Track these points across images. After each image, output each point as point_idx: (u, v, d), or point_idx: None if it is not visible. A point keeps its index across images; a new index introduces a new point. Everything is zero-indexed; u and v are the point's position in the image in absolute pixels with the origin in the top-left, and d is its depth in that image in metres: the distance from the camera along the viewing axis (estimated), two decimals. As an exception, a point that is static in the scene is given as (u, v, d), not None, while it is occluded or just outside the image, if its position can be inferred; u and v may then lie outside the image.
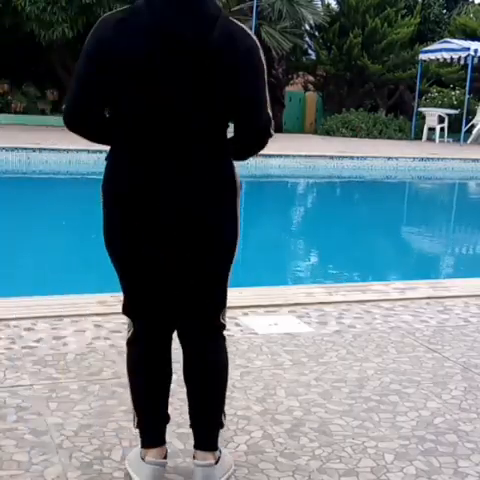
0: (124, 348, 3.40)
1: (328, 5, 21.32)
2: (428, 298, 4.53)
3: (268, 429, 2.69)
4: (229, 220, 2.24)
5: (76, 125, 2.17)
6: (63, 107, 2.21)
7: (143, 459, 2.28)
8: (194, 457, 2.28)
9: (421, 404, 2.98)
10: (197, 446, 2.29)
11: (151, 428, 2.32)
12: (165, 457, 2.31)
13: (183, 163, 2.11)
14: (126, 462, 2.38)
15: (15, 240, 7.41)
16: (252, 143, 2.26)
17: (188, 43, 2.03)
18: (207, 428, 2.30)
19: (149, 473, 2.25)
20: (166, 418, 2.35)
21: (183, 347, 2.37)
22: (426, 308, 4.33)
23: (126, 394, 2.90)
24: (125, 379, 3.05)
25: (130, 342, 2.33)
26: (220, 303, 2.29)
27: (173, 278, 2.23)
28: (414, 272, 7.18)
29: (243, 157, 2.33)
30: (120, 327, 3.69)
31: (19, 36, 15.91)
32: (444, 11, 23.56)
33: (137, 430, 2.33)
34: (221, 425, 2.32)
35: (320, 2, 20.46)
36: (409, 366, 3.38)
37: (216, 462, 2.26)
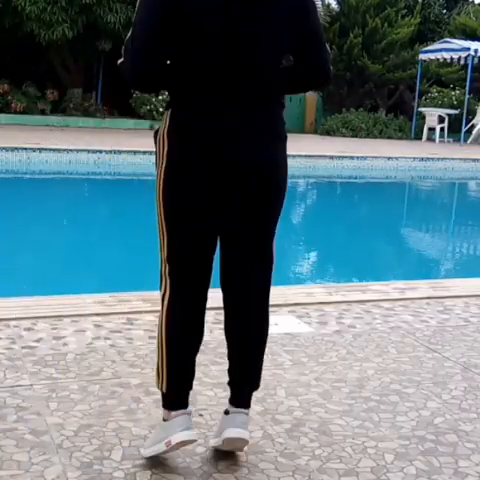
0: (124, 348, 3.41)
1: (328, 5, 21.32)
2: (428, 298, 4.52)
3: (268, 429, 2.69)
4: (285, 171, 2.32)
5: (141, 73, 2.15)
6: (119, 62, 2.18)
7: (167, 419, 2.33)
8: (226, 411, 2.40)
9: (421, 404, 2.98)
10: (235, 402, 2.40)
11: (183, 389, 2.35)
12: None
13: (249, 112, 2.19)
14: (145, 450, 2.39)
15: (15, 240, 7.41)
16: (317, 79, 2.38)
17: None
18: (246, 385, 2.42)
19: (180, 421, 2.30)
20: (192, 384, 2.39)
21: (230, 305, 2.45)
22: (426, 308, 4.33)
23: (126, 394, 2.91)
24: (125, 379, 3.06)
25: (168, 299, 2.33)
26: (271, 256, 2.39)
27: (230, 225, 2.30)
28: (414, 272, 7.18)
29: (302, 91, 2.52)
30: (120, 327, 3.69)
31: (19, 36, 15.91)
32: (444, 11, 23.57)
33: (161, 392, 2.37)
34: (258, 385, 2.44)
35: (320, 2, 20.45)
36: (409, 366, 3.38)
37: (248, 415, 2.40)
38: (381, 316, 4.12)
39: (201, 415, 2.75)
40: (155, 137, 2.28)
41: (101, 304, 4.02)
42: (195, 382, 3.03)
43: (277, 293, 4.36)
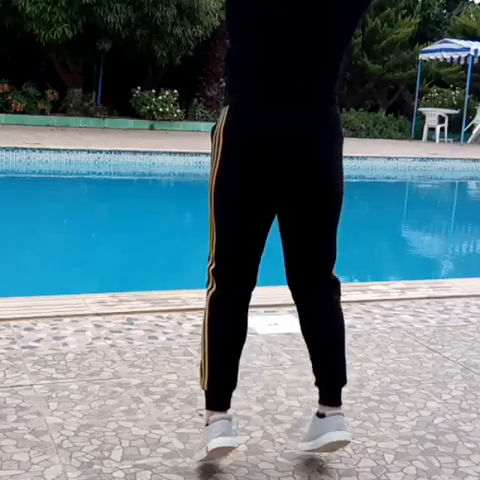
0: (124, 348, 3.41)
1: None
2: (428, 298, 4.52)
3: (268, 429, 2.69)
4: (341, 173, 2.30)
5: None
6: None
7: (208, 423, 2.30)
8: (320, 414, 2.37)
9: (421, 404, 2.98)
10: (329, 402, 2.37)
11: (223, 390, 2.34)
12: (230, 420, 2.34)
13: (311, 107, 2.18)
14: (196, 456, 2.38)
15: (15, 240, 7.41)
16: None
17: None
18: (337, 383, 2.40)
19: (217, 427, 2.27)
20: (235, 384, 2.38)
21: (302, 305, 2.41)
22: (426, 308, 4.33)
23: (126, 394, 2.91)
24: (125, 379, 3.06)
25: (213, 296, 2.31)
26: (333, 257, 2.36)
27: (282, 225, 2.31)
28: (414, 272, 7.18)
29: None
30: (120, 327, 3.69)
31: (19, 36, 15.90)
32: (444, 11, 23.56)
33: (204, 390, 2.35)
34: (346, 379, 2.42)
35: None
36: (409, 366, 3.38)
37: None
38: (381, 316, 4.12)
39: (201, 415, 2.75)
40: (212, 134, 2.30)
41: (101, 304, 4.02)
42: (195, 382, 3.03)
43: (277, 293, 4.35)
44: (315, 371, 2.47)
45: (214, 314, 2.32)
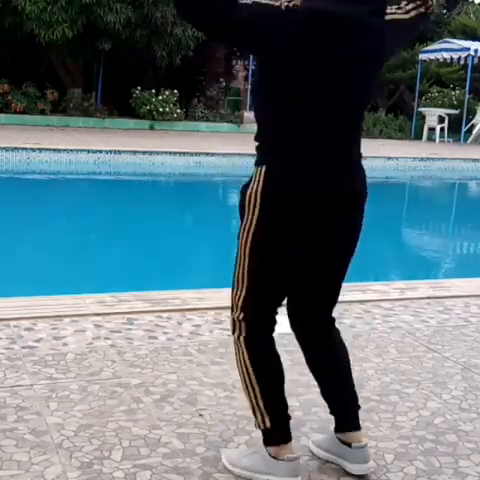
0: (124, 348, 3.40)
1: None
2: (428, 298, 4.52)
3: (268, 429, 2.68)
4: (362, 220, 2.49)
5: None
6: None
7: (277, 458, 2.31)
8: (343, 442, 2.40)
9: (421, 404, 2.98)
10: (349, 428, 2.41)
11: (284, 423, 2.35)
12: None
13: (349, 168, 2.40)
14: (233, 467, 2.38)
15: (15, 240, 7.41)
16: None
17: None
18: (354, 407, 2.44)
19: (291, 468, 2.31)
20: (288, 413, 2.39)
21: (307, 342, 2.48)
22: (426, 308, 4.33)
23: (126, 394, 2.91)
24: (125, 379, 3.06)
25: (245, 342, 2.32)
26: (337, 296, 2.48)
27: (309, 272, 2.35)
28: (414, 272, 7.18)
29: None
30: (120, 327, 3.69)
31: (19, 36, 15.90)
32: (444, 11, 23.56)
33: (262, 430, 2.35)
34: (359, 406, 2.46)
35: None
36: (409, 366, 3.38)
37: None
38: (381, 316, 4.12)
39: (201, 415, 2.75)
40: (243, 193, 2.24)
41: (101, 304, 4.02)
42: (195, 382, 3.04)
43: (277, 293, 4.36)
44: (333, 399, 2.47)
45: (251, 357, 2.32)
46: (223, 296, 4.36)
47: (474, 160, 15.23)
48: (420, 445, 2.63)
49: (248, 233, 2.25)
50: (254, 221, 2.22)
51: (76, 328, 3.65)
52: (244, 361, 2.31)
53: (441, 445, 2.64)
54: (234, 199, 12.44)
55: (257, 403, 2.32)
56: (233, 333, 2.34)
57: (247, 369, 2.31)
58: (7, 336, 3.49)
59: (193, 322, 3.82)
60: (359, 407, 2.46)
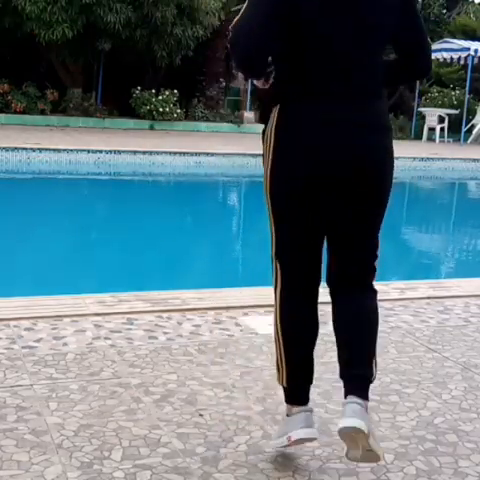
0: (124, 348, 3.41)
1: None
2: (428, 298, 4.52)
3: (268, 429, 2.69)
4: (389, 165, 2.34)
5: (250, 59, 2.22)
6: (230, 38, 2.22)
7: (289, 415, 2.37)
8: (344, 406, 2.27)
9: (421, 404, 2.98)
10: (348, 392, 2.29)
11: (300, 386, 2.38)
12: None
13: (361, 112, 2.24)
14: (271, 442, 2.50)
15: (15, 240, 7.41)
16: (420, 75, 2.58)
17: None
18: (360, 376, 2.31)
19: (302, 419, 2.34)
20: (311, 378, 2.42)
21: (337, 302, 2.43)
22: (426, 308, 4.33)
23: (126, 394, 2.91)
24: (125, 379, 3.06)
25: (279, 294, 2.38)
26: (376, 251, 2.39)
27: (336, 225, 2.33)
28: (414, 272, 7.18)
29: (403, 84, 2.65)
30: (120, 327, 3.69)
31: (19, 36, 15.90)
32: (444, 11, 23.54)
33: (283, 386, 2.41)
34: (373, 375, 2.33)
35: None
36: (409, 366, 3.38)
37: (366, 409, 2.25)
38: (381, 316, 4.09)
39: (201, 415, 2.75)
40: (263, 135, 2.34)
41: (101, 304, 4.02)
42: (195, 382, 3.04)
43: (277, 293, 4.35)
44: (342, 360, 2.41)
45: (282, 312, 2.38)
46: (223, 296, 4.37)
47: (474, 160, 15.23)
48: (420, 445, 2.63)
49: (266, 176, 2.31)
50: (270, 155, 2.29)
51: (76, 328, 3.65)
52: (276, 313, 2.41)
53: (441, 445, 2.64)
54: (234, 199, 12.45)
55: (280, 358, 2.40)
56: (273, 285, 2.43)
57: (276, 322, 2.41)
58: (7, 336, 3.49)
59: (193, 322, 3.82)
60: (367, 376, 2.31)
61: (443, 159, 15.00)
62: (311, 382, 2.44)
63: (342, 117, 2.22)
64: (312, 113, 2.23)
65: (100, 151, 12.35)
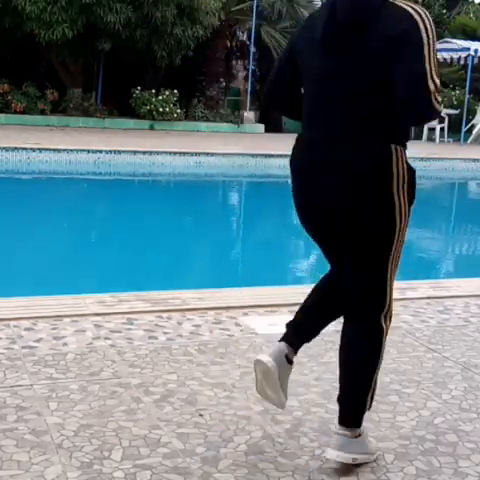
0: (124, 348, 3.41)
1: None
2: (428, 298, 4.52)
3: (268, 429, 2.69)
4: (368, 205, 2.34)
5: (268, 97, 2.59)
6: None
7: None
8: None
9: (421, 404, 2.98)
10: (338, 421, 2.45)
11: (290, 327, 2.70)
12: None
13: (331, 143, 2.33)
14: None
15: (15, 240, 7.41)
16: (406, 117, 2.49)
17: None
18: (346, 406, 2.47)
19: (272, 348, 2.66)
20: (302, 333, 2.76)
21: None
22: (426, 308, 4.33)
23: (126, 394, 2.91)
24: (125, 379, 3.06)
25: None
26: (377, 288, 2.46)
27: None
28: (414, 272, 7.17)
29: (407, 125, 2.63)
30: (120, 327, 3.69)
31: (19, 36, 15.90)
32: (444, 11, 23.56)
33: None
34: (363, 406, 2.45)
35: (320, 2, 20.46)
36: (409, 366, 3.38)
37: (354, 437, 2.41)
38: (381, 316, 4.11)
39: (201, 415, 2.75)
40: None
41: (101, 304, 4.02)
42: (195, 382, 3.04)
43: (277, 293, 4.36)
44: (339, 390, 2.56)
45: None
46: (223, 296, 4.37)
47: (474, 160, 15.23)
48: (420, 445, 2.63)
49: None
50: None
51: (76, 328, 3.65)
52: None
53: (441, 445, 2.64)
54: (234, 199, 12.45)
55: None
56: None
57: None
58: (7, 336, 3.49)
59: (193, 322, 3.82)
60: (355, 408, 2.45)
61: (443, 159, 15.00)
62: (300, 335, 2.65)
63: (308, 160, 2.38)
64: (299, 154, 2.43)
65: (100, 151, 12.35)
